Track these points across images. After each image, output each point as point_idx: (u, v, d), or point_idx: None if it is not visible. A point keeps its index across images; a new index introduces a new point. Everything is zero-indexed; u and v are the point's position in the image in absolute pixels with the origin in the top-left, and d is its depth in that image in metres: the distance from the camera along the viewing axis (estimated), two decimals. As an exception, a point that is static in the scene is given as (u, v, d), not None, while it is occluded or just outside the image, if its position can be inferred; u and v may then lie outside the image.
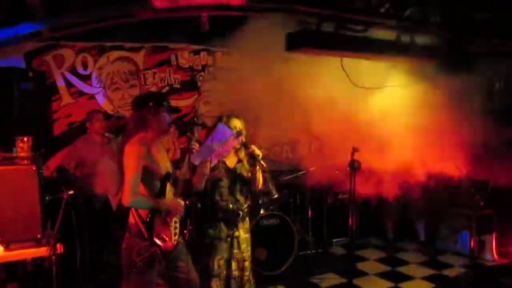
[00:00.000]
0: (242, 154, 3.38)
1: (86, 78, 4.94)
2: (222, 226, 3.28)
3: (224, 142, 3.03)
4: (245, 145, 3.28)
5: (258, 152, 3.25)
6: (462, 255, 5.52)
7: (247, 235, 3.41)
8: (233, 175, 3.32)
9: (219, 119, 3.28)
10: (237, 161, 3.37)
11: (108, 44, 5.02)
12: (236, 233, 3.33)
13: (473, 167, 5.17)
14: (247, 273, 3.37)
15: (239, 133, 3.19)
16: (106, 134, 4.65)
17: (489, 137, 4.81)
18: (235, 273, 3.31)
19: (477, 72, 4.43)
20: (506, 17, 3.82)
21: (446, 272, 5.12)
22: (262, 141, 6.08)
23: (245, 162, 3.38)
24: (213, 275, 3.22)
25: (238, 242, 3.33)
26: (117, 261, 2.98)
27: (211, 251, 3.25)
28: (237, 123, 3.26)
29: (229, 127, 3.15)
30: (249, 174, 3.36)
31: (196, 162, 3.02)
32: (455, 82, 4.31)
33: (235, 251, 3.31)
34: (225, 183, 3.29)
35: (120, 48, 5.11)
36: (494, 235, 5.38)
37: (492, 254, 5.38)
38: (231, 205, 3.30)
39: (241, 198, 3.36)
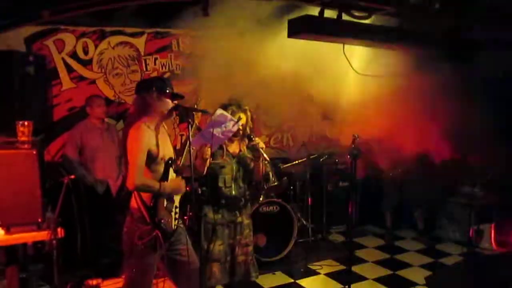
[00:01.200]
0: (244, 144, 3.40)
1: (86, 63, 4.92)
2: (224, 212, 3.33)
3: (224, 128, 3.05)
4: (249, 137, 3.33)
5: (262, 145, 3.29)
6: (460, 244, 5.56)
7: (249, 221, 3.48)
8: (237, 162, 3.36)
9: (224, 108, 3.28)
10: (239, 149, 3.40)
11: (109, 29, 4.99)
12: (239, 219, 3.38)
13: (473, 156, 5.18)
14: (250, 257, 3.44)
15: (238, 119, 3.20)
16: (106, 120, 4.65)
17: (489, 125, 4.80)
18: (241, 258, 3.38)
19: (478, 60, 4.41)
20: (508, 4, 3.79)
21: (444, 260, 5.16)
22: (263, 129, 6.14)
23: (245, 152, 3.41)
24: (213, 259, 3.28)
25: (241, 227, 3.38)
26: (118, 245, 3.01)
27: (212, 236, 3.29)
28: (241, 115, 3.28)
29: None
30: (251, 162, 3.39)
31: (196, 147, 3.04)
32: (455, 70, 4.29)
33: (239, 236, 3.37)
34: (228, 170, 3.33)
35: (121, 33, 5.08)
36: (492, 225, 5.40)
37: (490, 243, 5.41)
38: (234, 192, 3.34)
39: (243, 185, 3.41)
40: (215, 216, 3.30)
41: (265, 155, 3.27)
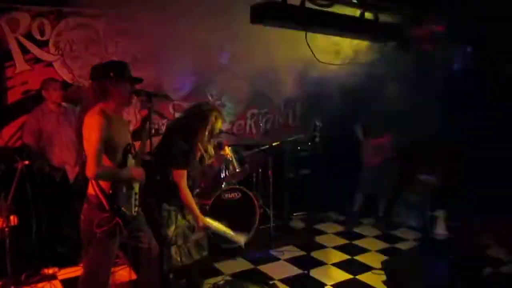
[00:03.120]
0: (210, 147, 3.55)
1: (43, 45, 4.72)
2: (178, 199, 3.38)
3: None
4: (220, 145, 3.68)
5: (230, 154, 3.47)
6: (415, 230, 5.78)
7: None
8: None
9: (199, 107, 3.42)
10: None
11: (67, 9, 4.79)
12: None
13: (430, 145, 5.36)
14: (203, 239, 3.58)
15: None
16: (63, 104, 4.50)
17: (446, 115, 4.98)
18: (194, 239, 3.48)
19: (437, 53, 4.55)
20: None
21: (399, 245, 5.35)
22: (226, 115, 6.12)
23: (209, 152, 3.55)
24: (171, 244, 3.35)
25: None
26: (76, 233, 2.95)
27: (168, 222, 3.35)
28: (220, 125, 3.43)
29: (213, 128, 3.34)
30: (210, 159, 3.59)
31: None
32: (414, 61, 4.41)
33: (188, 217, 3.46)
34: None
35: (80, 14, 4.89)
36: (445, 211, 5.63)
37: (442, 228, 5.64)
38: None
39: (196, 176, 3.52)
40: (170, 204, 3.38)
41: (234, 162, 3.42)
